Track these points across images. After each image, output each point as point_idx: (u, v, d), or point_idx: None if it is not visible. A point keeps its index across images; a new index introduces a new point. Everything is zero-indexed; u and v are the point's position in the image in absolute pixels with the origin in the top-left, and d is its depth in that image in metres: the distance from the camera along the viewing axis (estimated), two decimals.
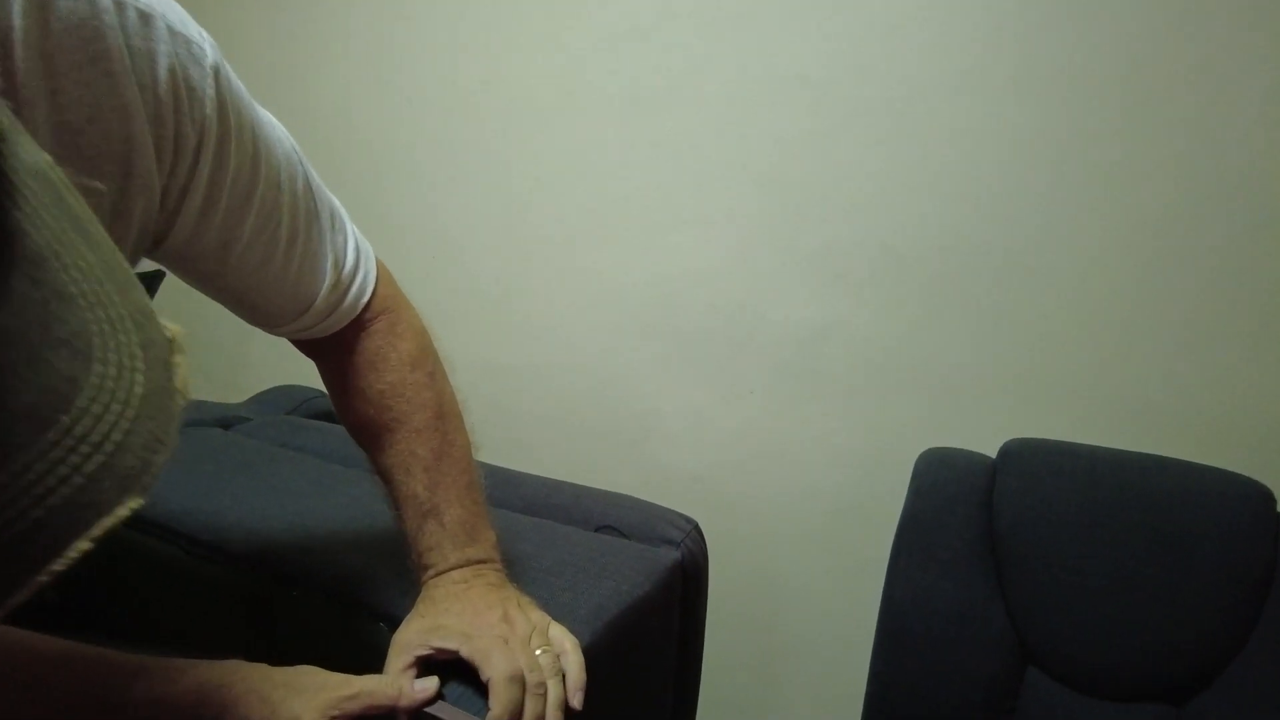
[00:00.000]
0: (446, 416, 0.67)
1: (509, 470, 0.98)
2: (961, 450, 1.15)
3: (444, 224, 1.51)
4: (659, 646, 0.79)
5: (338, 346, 0.65)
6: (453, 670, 0.60)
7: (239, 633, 0.75)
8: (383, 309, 0.66)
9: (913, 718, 1.06)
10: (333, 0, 1.57)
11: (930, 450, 1.16)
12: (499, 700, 0.54)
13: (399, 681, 0.56)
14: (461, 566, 0.64)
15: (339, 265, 0.61)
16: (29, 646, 0.51)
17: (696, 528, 0.88)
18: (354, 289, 0.63)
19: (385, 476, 0.66)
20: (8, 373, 0.22)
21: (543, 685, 0.57)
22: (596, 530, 0.86)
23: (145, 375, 0.27)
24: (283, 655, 0.56)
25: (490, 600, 0.62)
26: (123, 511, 0.25)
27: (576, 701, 0.58)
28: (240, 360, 1.73)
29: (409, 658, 0.58)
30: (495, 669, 0.55)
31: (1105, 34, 1.07)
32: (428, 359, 0.67)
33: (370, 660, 0.59)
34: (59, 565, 0.23)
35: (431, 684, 0.57)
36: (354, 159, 1.57)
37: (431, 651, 0.59)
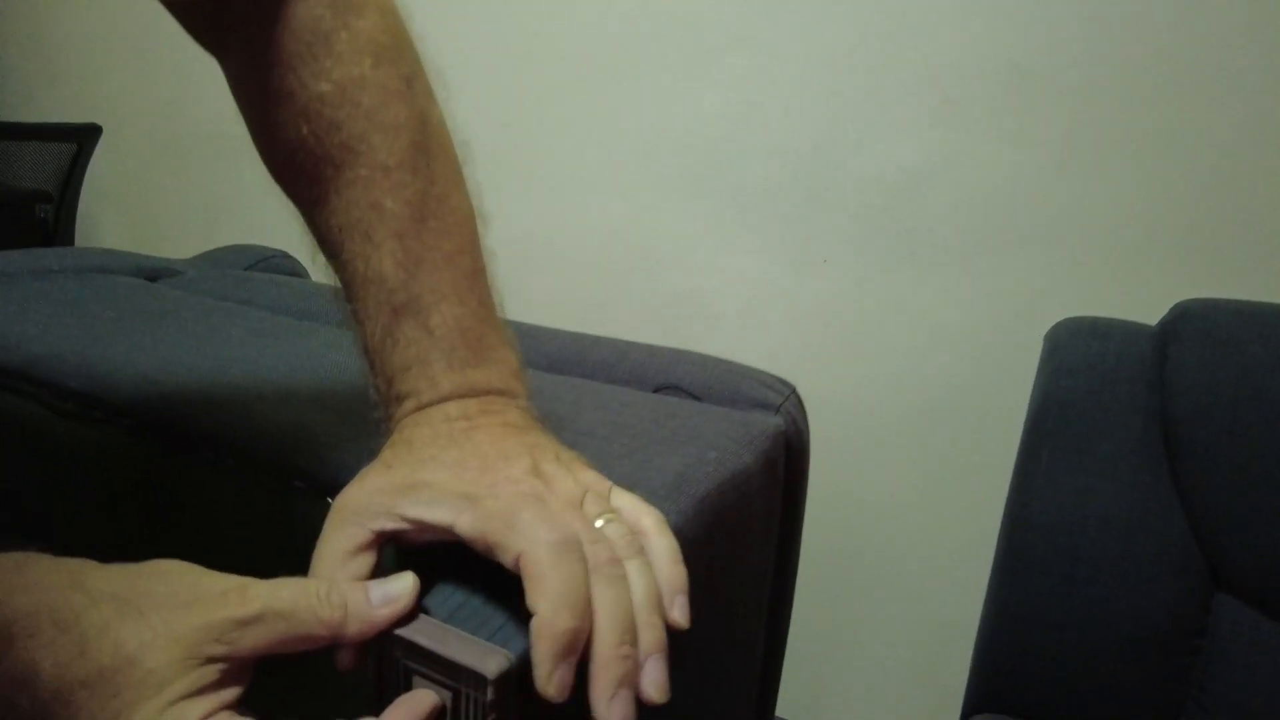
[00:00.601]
0: (433, 153, 0.40)
1: (524, 323, 0.71)
2: (1108, 319, 0.89)
3: (434, 59, 1.22)
4: (761, 548, 0.53)
5: (253, 18, 0.38)
6: (443, 565, 0.34)
7: (120, 515, 0.50)
8: None
9: (1053, 659, 0.81)
10: None
11: (1068, 321, 0.89)
12: (544, 582, 0.29)
13: (339, 589, 0.31)
14: (463, 397, 0.38)
15: None
16: None
17: (796, 393, 0.62)
18: None
19: (331, 247, 0.40)
20: None
21: (618, 565, 0.32)
22: (656, 391, 0.60)
23: None
24: (181, 547, 0.32)
25: (509, 447, 0.36)
26: None
27: (678, 612, 0.33)
28: (184, 229, 1.46)
29: (361, 535, 0.33)
30: (528, 535, 0.30)
31: None
32: (402, 54, 0.40)
33: (307, 554, 0.34)
34: None
35: (403, 586, 0.31)
36: None
37: (402, 526, 0.33)
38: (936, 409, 1.03)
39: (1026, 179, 0.96)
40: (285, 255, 1.02)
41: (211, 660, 0.28)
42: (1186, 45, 0.87)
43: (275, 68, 0.38)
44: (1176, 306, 0.85)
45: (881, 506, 1.08)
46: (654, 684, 0.31)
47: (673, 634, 0.32)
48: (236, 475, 0.45)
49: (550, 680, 0.28)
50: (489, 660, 0.29)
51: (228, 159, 1.45)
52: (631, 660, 0.30)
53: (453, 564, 0.35)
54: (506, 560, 0.31)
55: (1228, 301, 0.83)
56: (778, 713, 1.09)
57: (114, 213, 1.54)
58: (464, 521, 0.32)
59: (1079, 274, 0.95)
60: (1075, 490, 0.80)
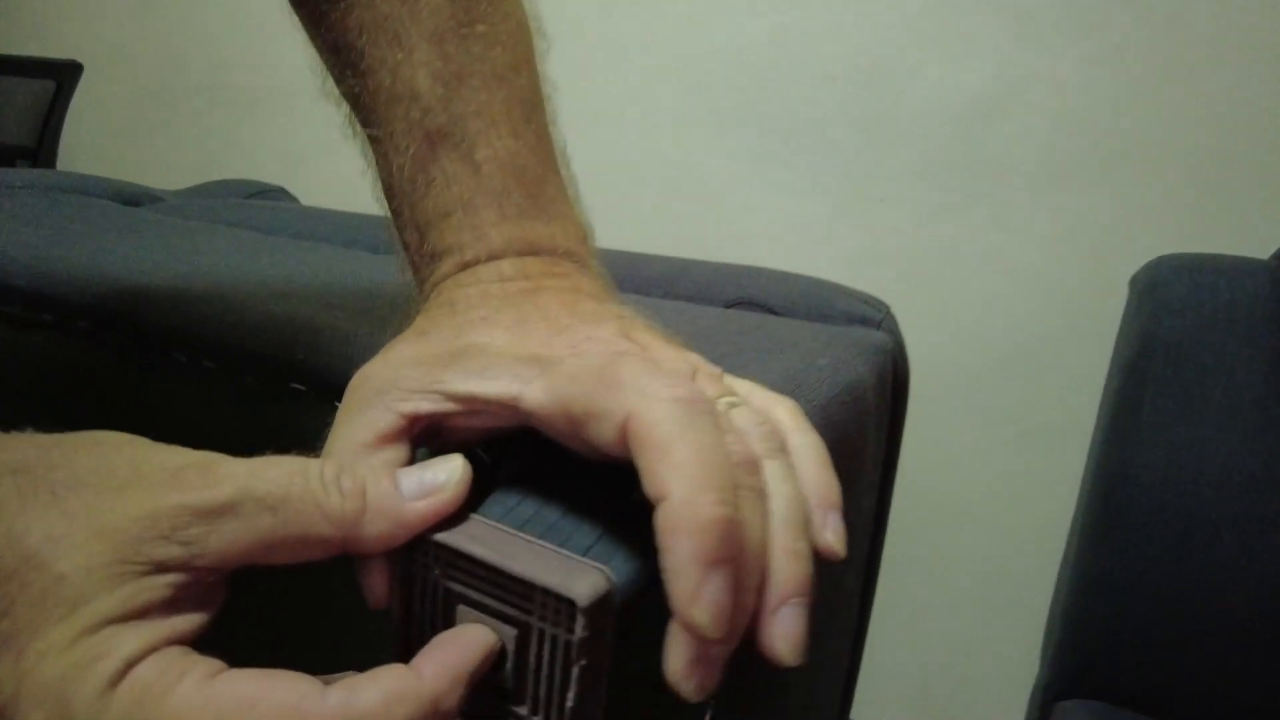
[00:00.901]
0: None
1: (610, 250, 0.61)
2: (1210, 255, 0.79)
3: None
4: (871, 476, 0.43)
5: None
6: (502, 473, 0.25)
7: (86, 423, 0.39)
8: None
9: (1157, 637, 0.72)
10: None
11: (1168, 256, 0.79)
12: (673, 452, 0.19)
13: (355, 471, 0.21)
14: (520, 254, 0.28)
15: None
16: None
17: (891, 314, 0.52)
18: None
19: (348, 55, 0.30)
20: None
21: (754, 470, 0.22)
22: (728, 306, 0.50)
23: None
24: None
25: (586, 311, 0.27)
26: None
27: (832, 534, 0.23)
28: (171, 173, 1.36)
29: (386, 420, 0.24)
30: (640, 389, 0.20)
31: None
32: None
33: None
34: None
35: (450, 471, 0.22)
36: None
37: (445, 407, 0.24)
38: (1008, 361, 0.93)
39: (1110, 102, 0.86)
40: (284, 191, 0.92)
41: (158, 568, 0.18)
42: None
43: None
44: None
45: (944, 465, 0.98)
46: (788, 639, 0.21)
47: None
48: (219, 379, 0.35)
49: (697, 599, 0.18)
50: (578, 578, 0.20)
51: (222, 110, 1.35)
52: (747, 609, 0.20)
53: (516, 470, 0.25)
54: (605, 433, 0.20)
55: None
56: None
57: (98, 166, 1.44)
58: (535, 391, 0.22)
59: (1170, 208, 0.85)
60: (1186, 443, 0.70)
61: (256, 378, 0.34)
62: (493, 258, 0.28)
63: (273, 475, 0.20)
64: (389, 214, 0.30)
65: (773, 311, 0.49)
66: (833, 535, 0.23)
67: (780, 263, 0.99)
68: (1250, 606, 0.68)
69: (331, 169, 1.28)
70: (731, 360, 0.36)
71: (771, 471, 0.22)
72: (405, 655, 0.23)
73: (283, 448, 0.23)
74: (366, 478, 0.21)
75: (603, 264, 0.32)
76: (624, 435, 0.20)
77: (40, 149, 1.15)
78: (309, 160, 1.24)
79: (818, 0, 0.94)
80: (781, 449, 0.24)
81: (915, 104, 0.92)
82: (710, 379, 0.26)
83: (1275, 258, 0.76)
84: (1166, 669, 0.72)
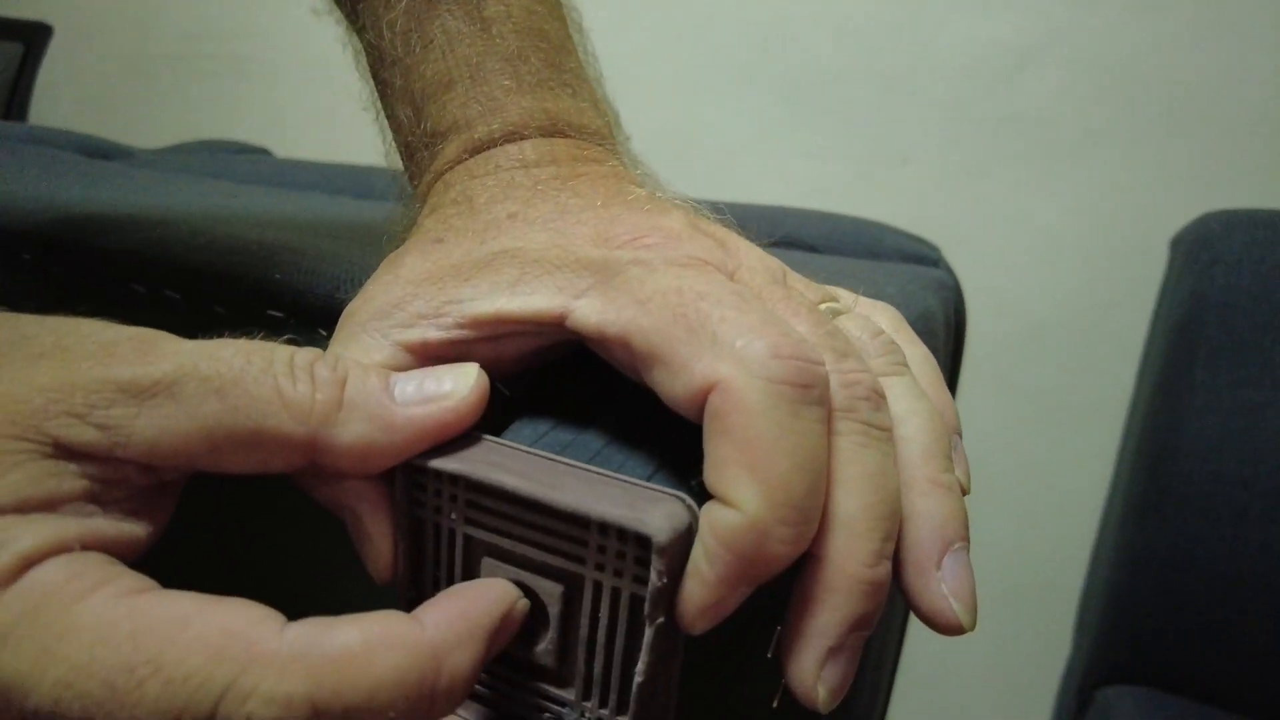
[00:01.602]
0: None
1: None
2: (1254, 210, 0.74)
3: None
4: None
5: None
6: (533, 388, 0.19)
7: None
8: None
9: (1212, 617, 0.67)
10: None
11: (1218, 212, 0.74)
12: (756, 448, 0.15)
13: (334, 358, 0.16)
14: (545, 133, 0.23)
15: None
16: None
17: (942, 257, 0.47)
18: None
19: None
20: None
21: (880, 406, 0.17)
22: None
23: None
24: None
25: (640, 197, 0.21)
26: None
27: (964, 472, 0.18)
28: (169, 107, 1.29)
29: (383, 350, 0.18)
30: (731, 346, 0.15)
31: None
32: None
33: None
34: None
35: (459, 377, 0.17)
36: None
37: (463, 334, 0.19)
38: (1040, 331, 0.88)
39: (1149, 53, 0.81)
40: (268, 152, 0.87)
41: (66, 453, 0.14)
42: None
43: None
44: None
45: (973, 441, 0.93)
46: (960, 595, 0.16)
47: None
48: (184, 311, 0.29)
49: (702, 612, 0.15)
50: (650, 508, 0.14)
51: (201, 78, 1.29)
52: (882, 583, 0.16)
53: (545, 398, 0.20)
54: (679, 387, 0.16)
55: None
56: None
57: (74, 99, 1.38)
58: (588, 308, 0.17)
59: (1210, 165, 0.80)
60: (1244, 404, 0.65)
61: (227, 307, 0.29)
62: (510, 138, 0.22)
63: (226, 354, 0.15)
64: (374, 90, 0.24)
65: (815, 250, 0.43)
66: (960, 468, 0.18)
67: None
68: None
69: (315, 137, 1.22)
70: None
71: (902, 390, 0.18)
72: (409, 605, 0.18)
73: None
74: (350, 369, 0.16)
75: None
76: (700, 401, 0.15)
77: (9, 114, 1.09)
78: (292, 128, 1.18)
79: None
80: (903, 362, 0.19)
81: (940, 58, 0.87)
82: (804, 282, 0.21)
83: None
84: (1220, 653, 0.67)
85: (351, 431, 0.16)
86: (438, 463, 0.16)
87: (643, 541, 0.14)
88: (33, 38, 1.08)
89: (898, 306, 0.30)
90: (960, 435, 0.19)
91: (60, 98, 1.29)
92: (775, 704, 0.23)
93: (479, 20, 0.23)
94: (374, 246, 0.28)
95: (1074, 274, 0.86)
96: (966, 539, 0.16)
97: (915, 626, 0.99)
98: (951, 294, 0.39)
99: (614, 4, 0.99)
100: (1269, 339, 0.66)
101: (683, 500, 0.15)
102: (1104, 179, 0.84)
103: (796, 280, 0.21)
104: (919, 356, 0.20)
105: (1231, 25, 0.78)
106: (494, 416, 0.20)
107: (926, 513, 0.16)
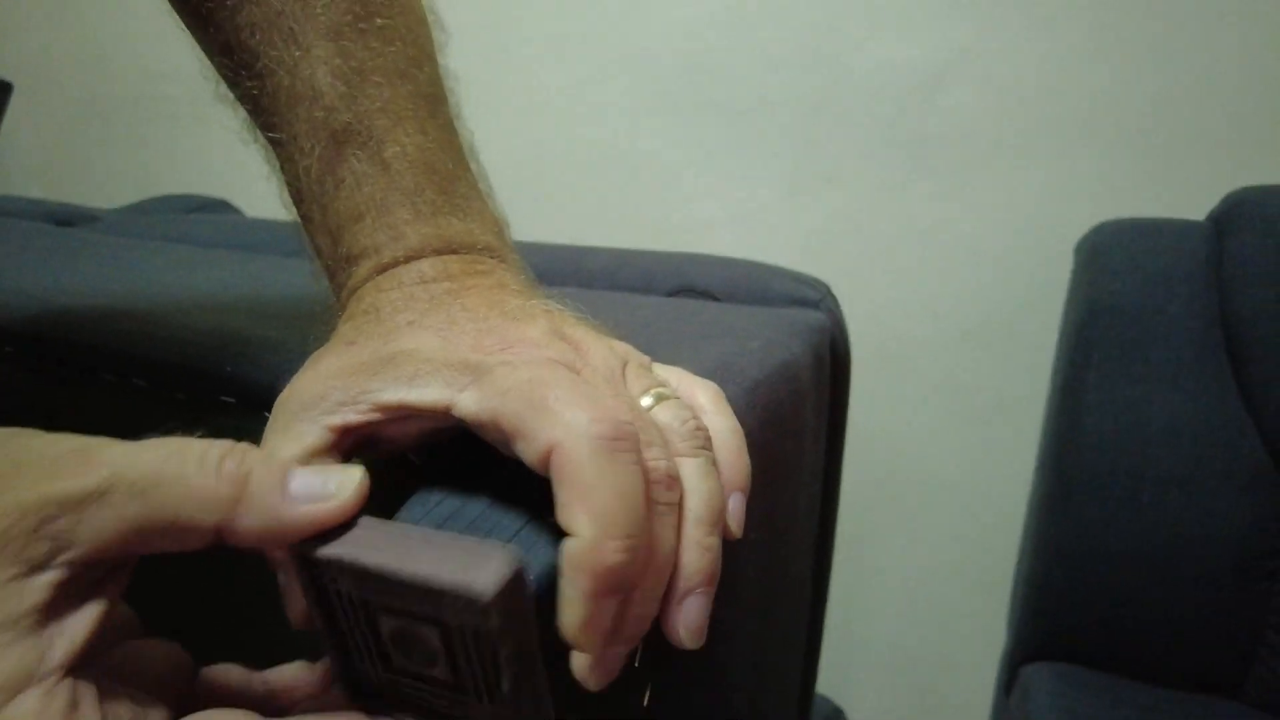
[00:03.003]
0: None
1: (553, 244, 0.61)
2: (1150, 219, 0.80)
3: None
4: (813, 456, 0.44)
5: None
6: (425, 467, 0.25)
7: None
8: None
9: (1114, 595, 0.73)
10: None
11: (1111, 221, 0.81)
12: (591, 492, 0.20)
13: (241, 454, 0.21)
14: (439, 253, 0.28)
15: None
16: None
17: (831, 293, 0.52)
18: None
19: (242, 56, 0.29)
20: None
21: (674, 484, 0.22)
22: (670, 295, 0.50)
23: None
24: None
25: (514, 309, 0.27)
26: None
27: (732, 519, 0.24)
28: (115, 186, 1.32)
29: (314, 434, 0.24)
30: (565, 420, 0.21)
31: None
32: None
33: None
34: None
35: (344, 481, 0.22)
36: None
37: (374, 417, 0.24)
38: (964, 334, 0.95)
39: (1047, 72, 0.87)
40: (225, 203, 0.91)
41: (32, 568, 0.18)
42: None
43: None
44: (1229, 197, 0.77)
45: (905, 441, 0.99)
46: (689, 626, 0.22)
47: (731, 557, 0.23)
48: (149, 396, 0.34)
49: (582, 626, 0.20)
50: (479, 568, 0.19)
51: (157, 123, 1.32)
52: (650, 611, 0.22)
53: (446, 468, 0.26)
54: (530, 454, 0.21)
55: None
56: None
57: (34, 185, 1.40)
58: (467, 400, 0.22)
59: (1113, 174, 0.87)
60: (1132, 402, 0.72)
61: (186, 393, 0.34)
62: (411, 258, 0.28)
63: (148, 457, 0.19)
64: (298, 219, 0.30)
65: (714, 298, 0.49)
66: (732, 519, 0.24)
67: (734, 248, 1.00)
68: (1199, 562, 0.70)
69: (275, 179, 1.26)
70: (667, 348, 0.37)
71: (693, 469, 0.23)
72: (348, 670, 0.23)
73: None
74: (255, 467, 0.20)
75: (523, 257, 0.32)
76: (547, 462, 0.21)
77: None
78: (251, 170, 1.22)
79: None
80: (705, 444, 0.24)
81: (858, 82, 0.93)
82: (639, 371, 0.26)
83: (1210, 218, 0.77)
84: (1124, 628, 0.73)
85: (248, 522, 0.20)
86: (319, 550, 0.21)
87: (475, 598, 0.19)
88: None
89: (760, 359, 0.35)
90: (743, 491, 0.25)
91: (20, 143, 1.32)
92: (645, 702, 0.29)
93: (380, 162, 0.28)
94: (310, 330, 0.33)
95: (994, 279, 0.93)
96: (710, 585, 0.22)
97: (880, 613, 1.05)
98: (826, 335, 0.44)
99: (564, 37, 1.05)
100: (1151, 340, 0.72)
101: (508, 552, 0.20)
102: (1017, 189, 0.90)
103: (633, 371, 0.26)
104: (726, 429, 0.25)
105: (1123, 45, 0.84)
106: (405, 480, 0.26)
107: (685, 564, 0.21)
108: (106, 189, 1.33)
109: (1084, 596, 0.74)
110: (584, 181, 1.06)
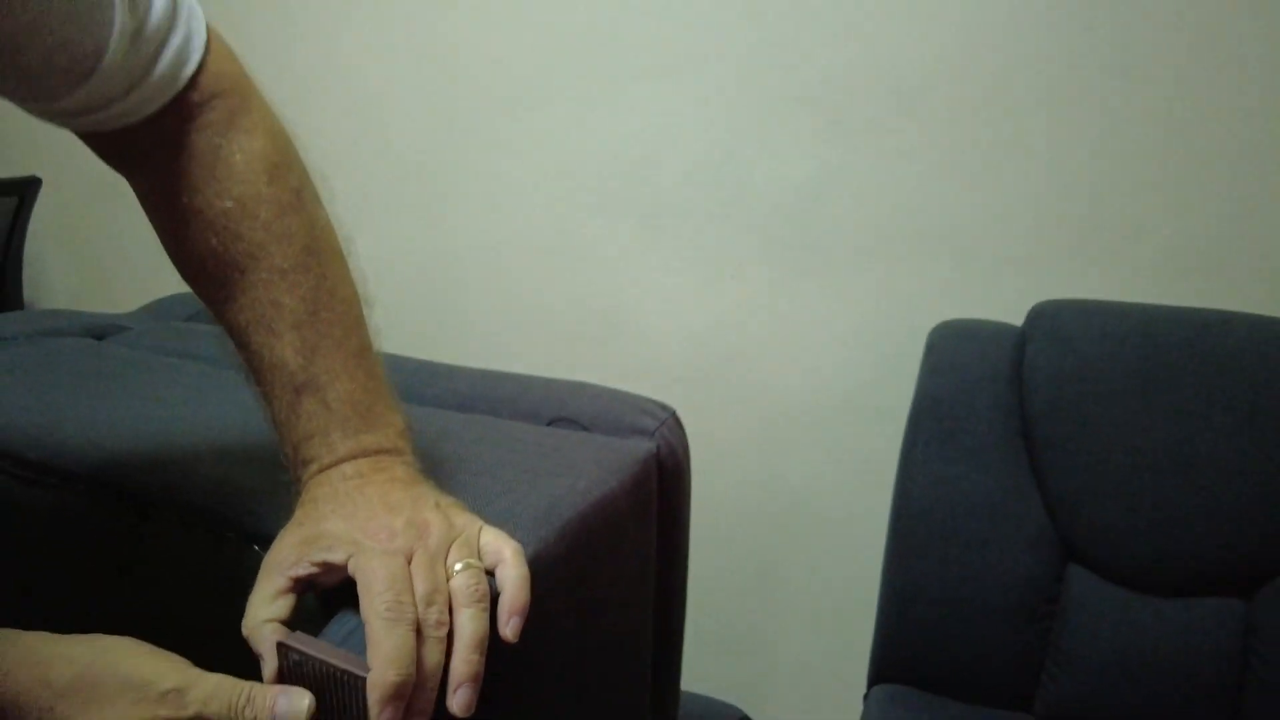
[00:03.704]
0: (323, 254, 0.48)
1: (439, 364, 0.79)
2: (983, 320, 0.99)
3: (362, 89, 1.29)
4: (635, 561, 0.62)
5: (157, 146, 0.46)
6: (348, 594, 0.43)
7: (84, 569, 0.57)
8: (219, 90, 0.46)
9: (935, 634, 0.92)
10: None
11: (945, 324, 0.99)
12: (378, 654, 0.37)
13: (259, 699, 0.37)
14: (355, 457, 0.46)
15: (136, 5, 0.41)
16: None
17: (674, 416, 0.71)
18: (169, 50, 0.43)
19: (239, 338, 0.47)
20: None
21: (445, 624, 0.39)
22: (550, 424, 0.68)
23: None
24: (138, 594, 0.43)
25: (395, 499, 0.44)
26: None
27: (510, 631, 0.41)
28: (129, 270, 1.51)
29: (281, 581, 0.41)
30: (373, 606, 0.38)
31: None
32: (290, 169, 0.48)
33: (234, 590, 0.42)
34: None
35: (302, 706, 0.37)
36: (258, 11, 1.33)
37: (313, 570, 0.41)
38: (841, 404, 1.13)
39: (906, 188, 1.05)
40: None
41: None
42: (1038, 65, 0.96)
43: (182, 189, 0.46)
44: (1034, 308, 0.95)
45: (797, 488, 1.18)
46: (460, 704, 0.38)
47: (543, 636, 0.41)
48: (178, 529, 0.53)
49: (380, 716, 0.36)
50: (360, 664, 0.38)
51: None
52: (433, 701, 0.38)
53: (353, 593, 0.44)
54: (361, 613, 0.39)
55: (1076, 302, 0.93)
56: (709, 691, 1.19)
57: (59, 262, 1.58)
58: (350, 564, 0.40)
59: (958, 276, 1.05)
60: (947, 479, 0.90)
61: (203, 528, 0.52)
62: (339, 462, 0.46)
63: (215, 705, 0.35)
64: (275, 434, 0.48)
65: (583, 427, 0.67)
66: (509, 630, 0.41)
67: (664, 324, 1.18)
68: (997, 605, 0.89)
69: None
70: (523, 486, 0.55)
71: (467, 616, 0.40)
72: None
73: (222, 575, 0.40)
74: (259, 707, 0.36)
75: (419, 451, 0.50)
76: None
77: (8, 253, 1.30)
78: None
79: (675, 110, 1.12)
80: (481, 598, 0.41)
81: (754, 194, 1.11)
82: (462, 545, 0.43)
83: (1022, 325, 0.95)
84: (944, 657, 0.92)
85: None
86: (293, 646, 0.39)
87: (360, 678, 0.37)
88: (26, 191, 1.29)
89: (581, 497, 0.54)
90: (521, 613, 0.42)
91: (47, 228, 1.50)
92: None
93: (324, 404, 0.46)
94: (285, 481, 0.51)
95: (866, 360, 1.11)
96: (473, 683, 0.38)
97: (783, 631, 1.23)
98: (651, 461, 0.62)
99: (522, 152, 1.23)
100: (963, 427, 0.91)
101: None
102: (883, 286, 1.08)
103: (457, 546, 0.43)
104: (516, 576, 0.43)
105: (956, 170, 1.02)
106: (337, 603, 0.44)
107: (454, 670, 0.38)
108: (125, 267, 1.51)
109: (914, 631, 0.93)
110: (544, 263, 1.25)
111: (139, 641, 0.37)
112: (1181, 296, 0.94)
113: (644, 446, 0.64)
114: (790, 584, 1.21)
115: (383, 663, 0.36)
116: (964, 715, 0.89)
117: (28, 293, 1.45)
